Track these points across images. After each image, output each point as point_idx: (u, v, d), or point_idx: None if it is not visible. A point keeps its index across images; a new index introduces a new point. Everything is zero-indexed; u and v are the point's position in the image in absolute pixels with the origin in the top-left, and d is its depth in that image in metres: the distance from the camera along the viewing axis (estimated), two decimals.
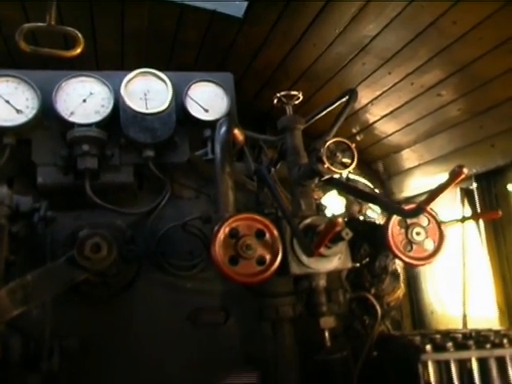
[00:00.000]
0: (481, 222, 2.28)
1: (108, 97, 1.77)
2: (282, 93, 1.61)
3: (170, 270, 1.78)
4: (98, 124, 1.73)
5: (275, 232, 1.30)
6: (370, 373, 1.57)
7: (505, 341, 1.28)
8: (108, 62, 2.33)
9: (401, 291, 1.64)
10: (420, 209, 1.18)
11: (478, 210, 2.29)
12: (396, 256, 1.40)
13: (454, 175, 1.01)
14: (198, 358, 1.74)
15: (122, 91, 1.75)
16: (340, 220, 1.09)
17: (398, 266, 1.65)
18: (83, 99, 1.76)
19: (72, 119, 1.72)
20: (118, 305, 1.74)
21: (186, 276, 1.80)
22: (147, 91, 1.82)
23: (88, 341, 1.62)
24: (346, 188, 1.56)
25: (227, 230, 1.26)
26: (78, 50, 1.42)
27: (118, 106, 1.76)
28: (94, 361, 1.66)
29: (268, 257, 1.29)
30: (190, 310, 1.74)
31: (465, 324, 2.32)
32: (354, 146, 1.36)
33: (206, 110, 1.88)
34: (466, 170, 1.00)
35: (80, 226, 1.65)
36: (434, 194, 1.10)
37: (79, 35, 1.41)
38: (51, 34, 1.53)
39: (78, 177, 1.73)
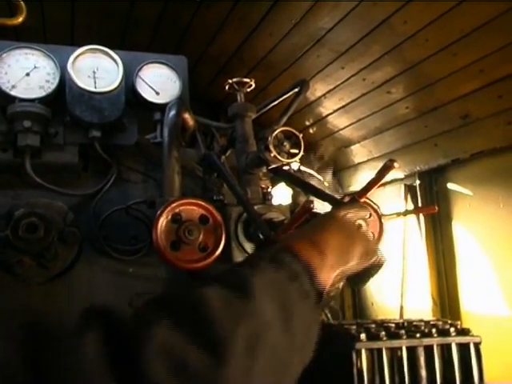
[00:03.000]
0: (422, 217, 2.38)
1: (54, 72, 1.70)
2: (234, 79, 1.60)
3: (113, 254, 1.74)
4: (41, 100, 1.65)
5: (219, 218, 1.30)
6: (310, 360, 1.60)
7: (433, 330, 1.34)
8: (57, 36, 2.23)
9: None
10: (354, 201, 1.21)
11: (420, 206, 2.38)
12: None
13: (385, 169, 1.05)
14: None
15: (69, 67, 1.68)
16: (311, 206, 1.09)
17: None
18: (26, 73, 1.67)
19: (13, 93, 1.63)
20: (56, 288, 1.68)
21: (129, 261, 1.77)
22: (96, 69, 1.76)
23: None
24: (289, 178, 1.58)
25: (170, 214, 1.24)
26: (20, 19, 1.35)
27: (65, 82, 1.70)
28: None
29: (211, 243, 1.28)
30: (132, 294, 1.72)
31: (401, 315, 2.42)
32: (301, 136, 1.37)
33: (157, 93, 1.84)
34: (396, 165, 1.04)
35: (17, 205, 1.58)
36: (367, 187, 1.13)
37: (22, 3, 1.34)
38: None
39: (17, 154, 1.66)
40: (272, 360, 0.62)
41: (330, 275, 0.85)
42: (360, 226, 1.10)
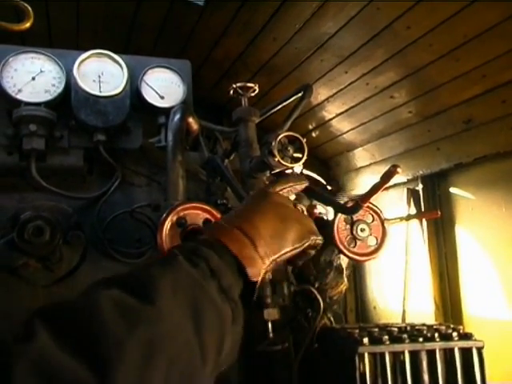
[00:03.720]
0: (424, 221, 2.39)
1: (59, 76, 1.71)
2: (238, 84, 1.61)
3: (117, 257, 1.75)
4: (47, 104, 1.66)
5: None
6: (311, 364, 1.61)
7: (436, 335, 1.34)
8: (62, 40, 2.25)
9: (344, 286, 1.69)
10: (357, 206, 1.21)
11: (423, 210, 2.39)
12: (340, 251, 1.44)
13: (389, 174, 1.05)
14: None
15: (75, 71, 1.70)
16: (314, 211, 1.08)
17: (343, 261, 1.70)
18: (32, 77, 1.68)
19: (19, 97, 1.65)
20: (61, 291, 1.69)
21: (133, 264, 1.78)
22: (101, 73, 1.77)
23: None
24: None
25: (174, 218, 1.25)
26: (27, 25, 1.35)
27: (70, 86, 1.71)
28: None
29: None
30: None
31: (404, 319, 2.43)
32: (305, 140, 1.38)
33: (162, 97, 1.85)
34: (399, 170, 1.02)
35: (22, 208, 1.59)
36: (370, 192, 1.14)
37: (29, 8, 1.34)
38: (1, 7, 1.46)
39: (23, 157, 1.67)
40: (174, 370, 0.57)
41: (262, 265, 0.79)
42: (295, 203, 1.01)
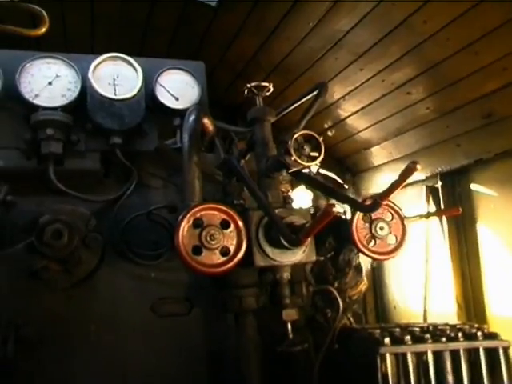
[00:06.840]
0: (444, 219, 2.35)
1: (75, 80, 1.72)
2: (253, 84, 1.60)
3: (135, 259, 1.75)
4: (63, 108, 1.68)
5: (240, 223, 1.30)
6: (332, 365, 1.59)
7: (459, 335, 1.31)
8: (77, 44, 2.28)
9: (363, 285, 1.66)
10: (376, 203, 1.19)
11: (442, 208, 2.35)
12: (359, 250, 1.42)
13: (408, 171, 1.03)
14: (160, 347, 1.73)
15: (90, 75, 1.71)
16: (333, 209, 1.07)
17: (362, 260, 1.67)
18: (49, 82, 1.70)
19: (36, 102, 1.66)
20: (80, 293, 1.70)
21: (151, 266, 1.78)
22: (116, 76, 1.78)
23: (48, 329, 1.59)
24: (310, 182, 1.57)
25: (191, 219, 1.25)
26: (43, 30, 1.37)
27: (86, 90, 1.72)
28: (53, 349, 1.62)
29: (232, 248, 1.28)
30: (154, 299, 1.73)
31: (425, 318, 2.39)
32: (321, 139, 1.36)
33: (177, 99, 1.85)
34: (419, 167, 1.00)
35: (42, 212, 1.60)
36: (389, 189, 1.12)
37: (44, 14, 1.36)
38: (17, 12, 1.47)
39: (41, 161, 1.68)
40: None
41: None
42: None
